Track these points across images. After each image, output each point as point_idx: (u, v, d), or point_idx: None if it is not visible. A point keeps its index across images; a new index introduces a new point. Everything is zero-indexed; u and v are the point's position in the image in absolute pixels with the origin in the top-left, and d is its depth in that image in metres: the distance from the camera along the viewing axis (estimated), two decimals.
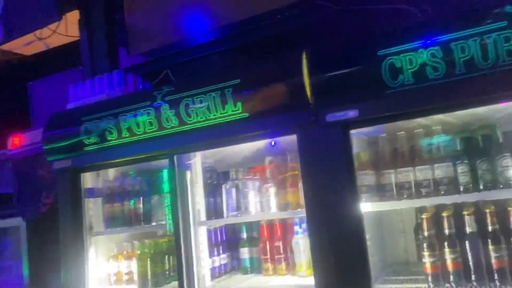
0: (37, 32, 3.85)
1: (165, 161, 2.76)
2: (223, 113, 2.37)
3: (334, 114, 2.11)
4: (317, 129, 2.17)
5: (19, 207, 3.74)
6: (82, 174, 2.95)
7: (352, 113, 2.07)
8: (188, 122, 2.47)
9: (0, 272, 3.95)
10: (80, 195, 2.94)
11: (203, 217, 2.69)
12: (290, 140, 2.34)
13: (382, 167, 2.29)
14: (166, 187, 2.93)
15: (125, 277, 2.89)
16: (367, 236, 2.12)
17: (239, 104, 2.31)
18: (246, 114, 2.31)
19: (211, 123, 2.42)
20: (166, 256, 2.86)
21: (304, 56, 2.20)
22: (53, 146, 2.89)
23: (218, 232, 2.84)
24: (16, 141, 3.82)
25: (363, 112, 2.07)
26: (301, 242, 2.48)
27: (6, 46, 3.91)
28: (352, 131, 2.17)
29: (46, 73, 4.34)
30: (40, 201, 3.60)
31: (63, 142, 2.85)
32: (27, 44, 3.88)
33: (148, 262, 2.80)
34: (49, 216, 3.46)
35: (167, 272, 2.83)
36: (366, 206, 2.18)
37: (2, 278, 3.94)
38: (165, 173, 2.95)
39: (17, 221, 3.76)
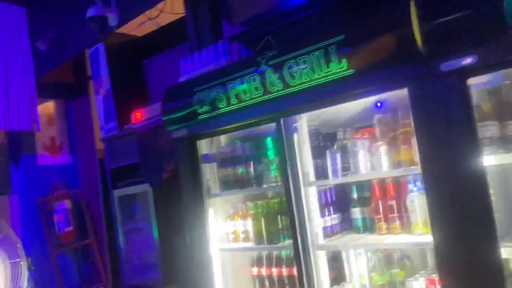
0: (147, 13, 4.15)
1: (271, 128, 2.84)
2: (328, 72, 2.34)
3: (449, 63, 1.96)
4: (431, 81, 2.04)
5: (145, 174, 4.15)
6: (198, 142, 3.17)
7: (470, 59, 1.90)
8: (293, 84, 2.49)
9: (135, 232, 4.47)
10: (198, 161, 3.17)
11: (312, 178, 2.73)
12: (400, 95, 2.24)
13: (507, 118, 2.09)
14: (272, 152, 3.03)
15: (241, 236, 3.08)
16: (491, 191, 1.98)
17: (344, 61, 2.26)
18: (352, 71, 2.26)
19: (315, 83, 2.41)
20: (279, 216, 2.97)
21: (412, 3, 2.06)
22: (170, 117, 3.13)
23: (328, 193, 2.86)
24: (138, 116, 4.22)
25: (483, 56, 1.89)
26: (416, 200, 2.40)
27: (122, 29, 4.26)
28: (471, 81, 2.00)
29: (159, 50, 4.68)
30: (162, 168, 3.96)
31: (179, 112, 3.07)
32: (140, 25, 4.20)
33: (262, 221, 2.94)
34: (171, 182, 3.79)
35: (280, 231, 2.95)
36: (489, 160, 2.02)
37: (137, 237, 4.45)
38: (269, 140, 3.05)
39: (144, 187, 4.19)
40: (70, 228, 5.42)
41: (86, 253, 5.62)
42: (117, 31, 4.29)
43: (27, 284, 2.52)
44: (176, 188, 3.33)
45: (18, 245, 2.51)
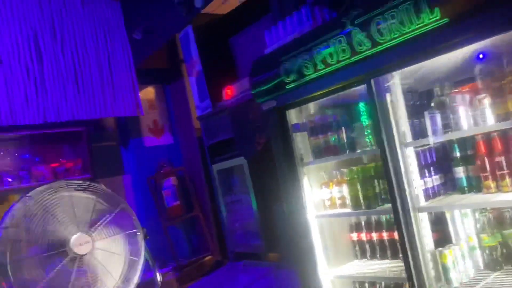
0: None
1: (361, 91, 2.76)
2: (419, 24, 2.19)
3: None
4: None
5: (240, 148, 4.31)
6: (287, 112, 3.19)
7: None
8: (381, 41, 2.38)
9: (235, 203, 4.69)
10: (288, 131, 3.20)
11: (408, 138, 2.61)
12: (505, 40, 2.03)
13: None
14: (364, 116, 2.95)
15: (338, 202, 3.08)
16: None
17: (436, 9, 2.10)
18: (446, 20, 2.09)
19: (406, 38, 2.28)
20: (375, 180, 2.90)
21: None
22: (259, 90, 3.19)
23: (427, 153, 2.72)
24: (229, 92, 4.37)
25: None
26: None
27: (206, 9, 4.38)
28: None
29: (243, 26, 4.75)
30: (255, 141, 4.07)
31: (267, 84, 3.11)
32: (223, 3, 4.28)
33: (358, 186, 2.91)
34: (265, 153, 3.89)
35: (378, 195, 2.89)
36: None
37: (237, 208, 4.67)
38: (360, 104, 2.96)
39: (240, 160, 4.36)
40: (178, 202, 5.85)
41: (193, 225, 6.05)
42: (203, 11, 4.42)
43: (145, 252, 2.78)
44: (270, 159, 3.41)
45: (133, 217, 2.77)
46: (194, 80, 4.97)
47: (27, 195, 2.51)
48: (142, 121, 6.15)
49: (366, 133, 2.90)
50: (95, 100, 5.08)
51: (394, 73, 2.58)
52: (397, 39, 2.31)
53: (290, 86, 2.97)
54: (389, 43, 2.35)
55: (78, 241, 2.50)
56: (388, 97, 2.59)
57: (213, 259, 5.65)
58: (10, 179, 4.82)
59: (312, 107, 3.30)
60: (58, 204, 2.52)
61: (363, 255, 3.21)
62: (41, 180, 4.99)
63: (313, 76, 2.79)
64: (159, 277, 2.86)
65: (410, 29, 2.24)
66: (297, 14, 3.07)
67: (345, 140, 3.03)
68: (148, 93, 6.29)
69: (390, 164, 2.56)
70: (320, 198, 3.20)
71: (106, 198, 2.71)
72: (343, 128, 3.05)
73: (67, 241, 2.48)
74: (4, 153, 5.09)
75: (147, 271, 2.84)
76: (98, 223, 2.59)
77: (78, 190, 2.60)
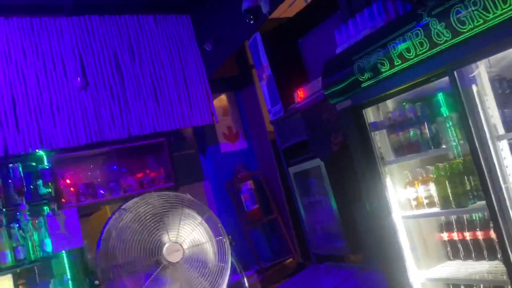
0: None
1: (441, 84, 2.62)
2: (505, 8, 2.04)
3: None
4: None
5: (314, 150, 4.28)
6: (364, 110, 3.12)
7: None
8: (463, 30, 2.25)
9: (314, 205, 4.66)
10: (366, 130, 3.12)
11: (500, 130, 2.43)
12: None
13: None
14: (447, 109, 2.79)
15: (425, 201, 2.94)
16: None
17: None
18: None
19: (491, 24, 2.13)
20: (465, 177, 2.73)
21: None
22: (332, 90, 3.15)
23: None
24: (301, 94, 4.36)
25: None
26: None
27: (272, 14, 4.40)
28: None
29: (311, 27, 4.72)
30: (330, 142, 4.02)
31: (340, 84, 3.06)
32: (291, 6, 4.28)
33: (447, 184, 2.75)
34: (341, 154, 3.82)
35: (469, 192, 2.72)
36: None
37: (316, 209, 4.64)
38: (441, 97, 2.81)
39: (316, 162, 4.33)
40: (256, 206, 5.94)
41: (272, 228, 6.11)
42: (270, 17, 4.45)
43: (231, 258, 2.86)
44: (347, 159, 3.35)
45: (219, 225, 2.86)
46: (265, 85, 5.03)
47: (121, 207, 2.69)
48: (217, 128, 6.34)
49: (450, 126, 2.74)
50: (173, 112, 5.34)
51: (479, 62, 2.42)
52: (481, 27, 2.17)
53: (365, 85, 2.90)
54: (471, 31, 2.21)
55: (170, 250, 2.63)
56: (474, 88, 2.44)
57: (294, 261, 5.66)
58: (102, 191, 5.19)
59: (389, 103, 3.20)
60: (149, 215, 2.67)
61: (456, 255, 3.03)
62: (129, 191, 5.32)
63: (390, 72, 2.70)
64: (246, 283, 2.93)
65: (496, 15, 2.08)
66: (369, 10, 2.99)
67: (428, 135, 2.89)
68: (221, 100, 6.47)
69: (481, 160, 2.40)
70: (405, 197, 3.08)
71: (193, 207, 2.82)
72: (425, 123, 2.91)
73: (160, 250, 2.62)
74: (95, 167, 5.50)
75: (232, 275, 2.92)
76: (188, 232, 2.71)
77: (167, 201, 2.74)
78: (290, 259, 5.68)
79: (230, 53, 5.26)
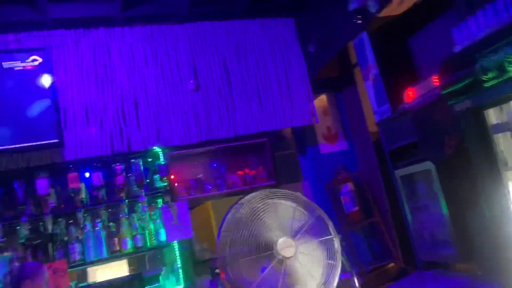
0: None
1: None
2: None
3: None
4: None
5: (425, 152, 4.11)
6: (484, 111, 2.95)
7: None
8: None
9: (421, 210, 4.48)
10: (487, 132, 2.96)
11: None
12: None
13: None
14: None
15: None
16: None
17: None
18: None
19: None
20: None
21: None
22: (450, 90, 3.03)
23: None
24: (410, 94, 4.22)
25: None
26: None
27: (381, 13, 4.32)
28: None
29: (422, 25, 4.55)
30: (444, 144, 3.84)
31: (460, 83, 2.94)
32: (400, 4, 4.17)
33: None
34: (456, 156, 3.63)
35: None
36: None
37: (424, 214, 4.45)
38: None
39: (426, 165, 4.15)
40: (356, 208, 5.87)
41: (373, 231, 5.99)
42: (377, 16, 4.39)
43: (342, 257, 2.88)
44: (463, 162, 3.19)
45: (329, 223, 2.90)
46: (370, 85, 4.95)
47: (238, 202, 2.86)
48: (317, 129, 6.37)
49: None
50: (275, 113, 5.50)
51: None
52: None
53: (488, 84, 2.75)
54: None
55: (283, 245, 2.73)
56: None
57: (396, 266, 5.49)
58: (209, 187, 5.52)
59: None
60: (265, 210, 2.80)
61: None
62: (233, 187, 5.59)
63: None
64: (356, 282, 2.93)
65: None
66: (493, 6, 2.82)
67: None
68: (321, 101, 6.49)
69: None
70: None
71: (304, 206, 2.90)
72: None
73: (274, 244, 2.73)
74: (203, 164, 5.86)
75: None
76: (299, 228, 2.80)
77: (280, 198, 2.85)
78: (392, 264, 5.52)
79: (334, 54, 5.27)
